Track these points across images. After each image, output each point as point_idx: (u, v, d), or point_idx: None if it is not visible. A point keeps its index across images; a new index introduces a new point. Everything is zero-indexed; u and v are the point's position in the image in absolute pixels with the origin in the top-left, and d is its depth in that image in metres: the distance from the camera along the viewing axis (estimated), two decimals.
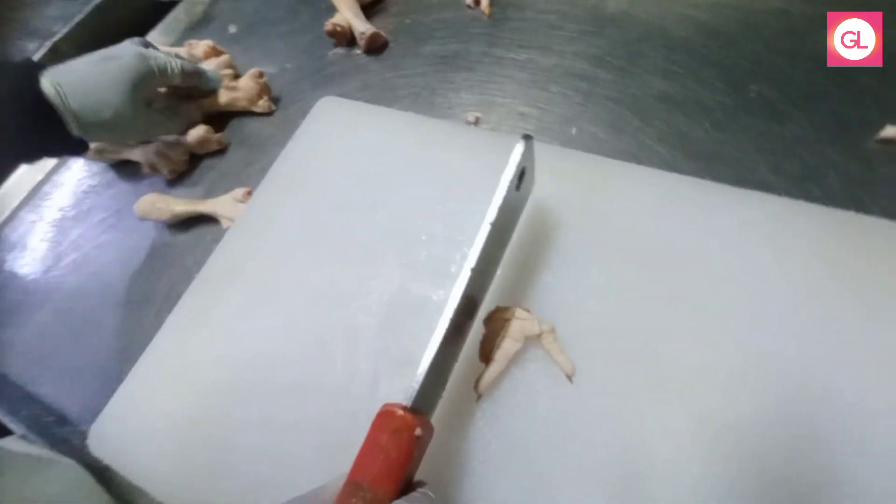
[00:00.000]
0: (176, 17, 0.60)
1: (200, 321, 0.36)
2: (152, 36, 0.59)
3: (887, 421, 0.24)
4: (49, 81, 0.37)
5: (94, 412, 0.35)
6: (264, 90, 0.49)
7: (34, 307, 0.45)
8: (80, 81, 0.38)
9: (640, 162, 0.36)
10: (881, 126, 0.33)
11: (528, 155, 0.28)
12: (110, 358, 0.40)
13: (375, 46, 0.49)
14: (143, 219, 0.44)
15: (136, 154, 0.48)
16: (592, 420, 0.27)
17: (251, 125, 0.49)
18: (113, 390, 0.35)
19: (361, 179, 0.38)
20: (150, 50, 0.42)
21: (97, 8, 0.57)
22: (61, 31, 0.56)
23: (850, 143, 0.34)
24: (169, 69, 0.42)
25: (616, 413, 0.27)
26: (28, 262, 0.48)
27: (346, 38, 0.50)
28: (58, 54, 0.54)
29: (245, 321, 0.35)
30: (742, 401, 0.26)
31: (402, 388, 0.23)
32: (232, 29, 0.57)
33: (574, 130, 0.39)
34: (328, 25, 0.49)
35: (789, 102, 0.36)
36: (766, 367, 0.27)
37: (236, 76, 0.51)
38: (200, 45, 0.52)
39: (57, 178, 0.53)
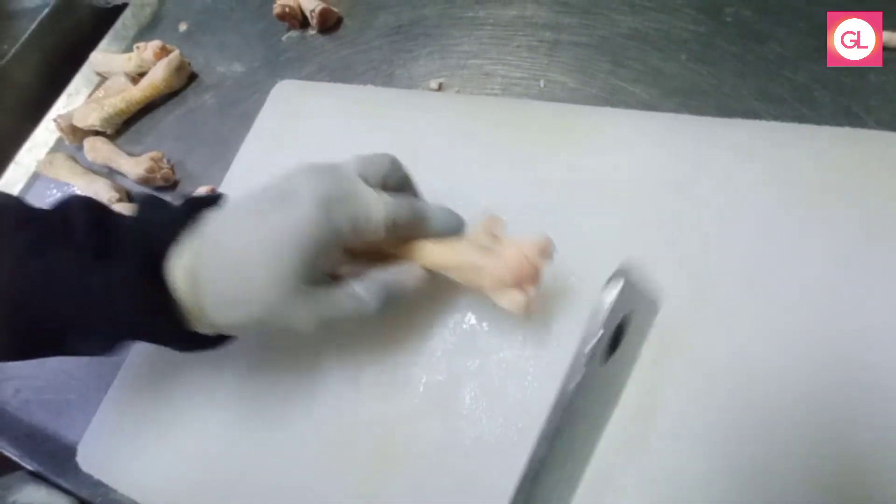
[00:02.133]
0: (124, 23, 0.58)
1: None
2: (103, 45, 0.56)
3: None
4: (184, 260, 0.23)
5: (84, 430, 0.34)
6: (182, 67, 0.49)
7: None
8: (226, 256, 0.23)
9: (614, 106, 0.34)
10: None
11: (624, 302, 0.15)
12: (95, 375, 0.38)
13: (329, 24, 0.47)
14: None
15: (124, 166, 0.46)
16: None
17: (210, 123, 0.47)
18: None
19: (325, 161, 0.37)
20: (349, 182, 0.24)
21: (41, 25, 0.55)
22: (9, 53, 0.54)
23: None
24: (370, 221, 0.23)
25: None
26: None
27: (297, 20, 0.47)
28: (5, 79, 0.52)
29: None
30: (746, 340, 0.24)
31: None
32: (182, 27, 0.55)
33: (542, 83, 0.37)
34: (277, 8, 0.47)
35: (769, 20, 0.33)
36: (771, 301, 0.25)
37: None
38: (150, 47, 0.50)
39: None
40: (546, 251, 0.25)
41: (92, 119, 0.48)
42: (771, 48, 0.33)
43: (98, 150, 0.47)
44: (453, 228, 0.27)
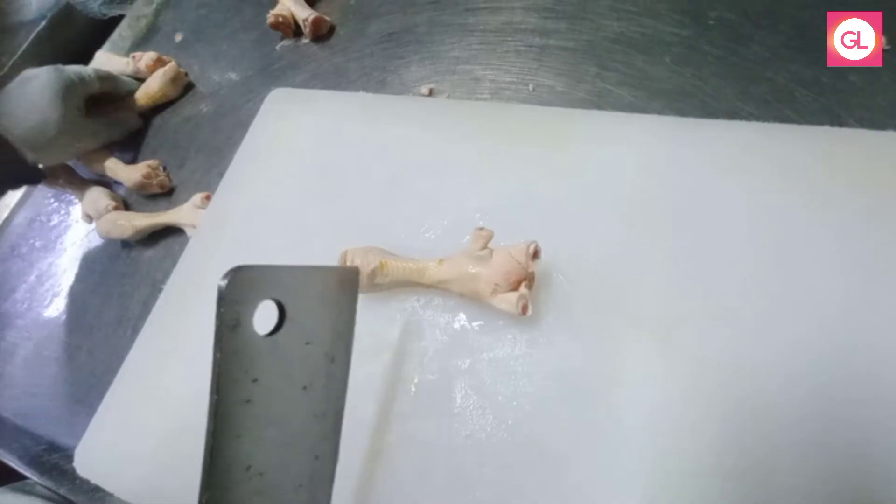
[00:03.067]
0: (121, 35, 0.59)
1: (170, 334, 0.35)
2: (100, 55, 0.57)
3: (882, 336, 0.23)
4: None
5: (81, 436, 0.34)
6: (178, 77, 0.51)
7: (15, 339, 0.45)
8: (15, 107, 0.40)
9: (601, 108, 0.35)
10: None
11: (244, 291, 0.18)
12: (92, 381, 0.39)
13: (322, 32, 0.47)
14: (105, 238, 0.44)
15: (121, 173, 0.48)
16: (572, 362, 0.26)
17: (206, 131, 0.48)
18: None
19: (318, 167, 0.37)
20: (62, 66, 0.45)
21: (39, 37, 0.56)
22: (7, 64, 0.55)
23: (818, 56, 0.31)
24: (85, 75, 0.45)
25: (595, 356, 0.26)
26: (3, 294, 0.48)
27: (291, 28, 0.48)
28: None
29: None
30: (725, 337, 0.25)
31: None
32: (178, 37, 0.56)
33: (531, 87, 0.38)
34: (270, 17, 0.47)
35: (751, 23, 0.34)
36: (753, 299, 0.25)
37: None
38: (144, 58, 0.50)
39: (22, 212, 0.52)
40: (534, 254, 0.26)
41: None
42: (753, 50, 0.33)
43: (94, 158, 0.48)
44: (133, 84, 0.51)
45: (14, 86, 0.42)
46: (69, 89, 0.43)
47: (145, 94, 0.50)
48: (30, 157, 0.40)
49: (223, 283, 0.18)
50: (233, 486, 0.19)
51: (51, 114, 0.41)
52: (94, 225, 0.46)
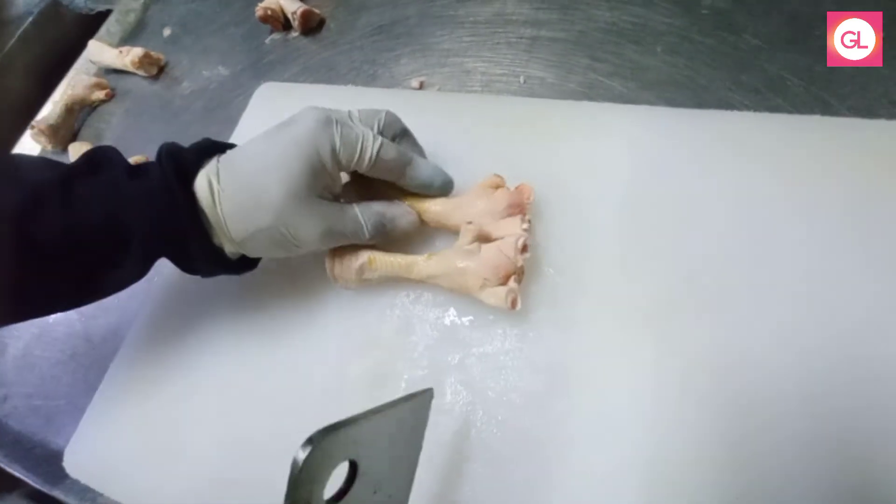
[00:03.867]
0: (109, 30, 0.58)
1: (159, 334, 0.34)
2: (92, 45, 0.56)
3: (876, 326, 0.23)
4: (206, 175, 0.26)
5: (72, 436, 0.34)
6: None
7: (4, 339, 0.44)
8: (241, 169, 0.26)
9: (593, 100, 0.35)
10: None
11: (321, 461, 0.16)
12: (82, 381, 0.39)
13: (311, 25, 0.47)
14: None
15: None
16: (562, 356, 0.26)
17: (196, 127, 0.47)
18: None
19: None
20: (345, 116, 0.28)
21: (26, 33, 0.55)
22: None
23: (810, 44, 0.31)
24: (360, 148, 0.27)
25: (585, 349, 0.26)
26: None
27: (280, 22, 0.48)
28: None
29: (206, 326, 0.33)
30: (715, 331, 0.24)
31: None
32: (166, 32, 0.55)
33: (522, 79, 0.37)
34: (259, 11, 0.47)
35: (743, 12, 0.34)
36: (744, 291, 0.25)
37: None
38: (132, 53, 0.50)
39: None
40: (523, 248, 0.26)
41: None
42: (745, 39, 0.33)
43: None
44: (437, 181, 0.29)
45: (267, 133, 0.28)
46: (321, 162, 0.26)
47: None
48: (228, 248, 0.28)
49: (302, 456, 0.15)
50: None
51: (275, 190, 0.26)
52: None
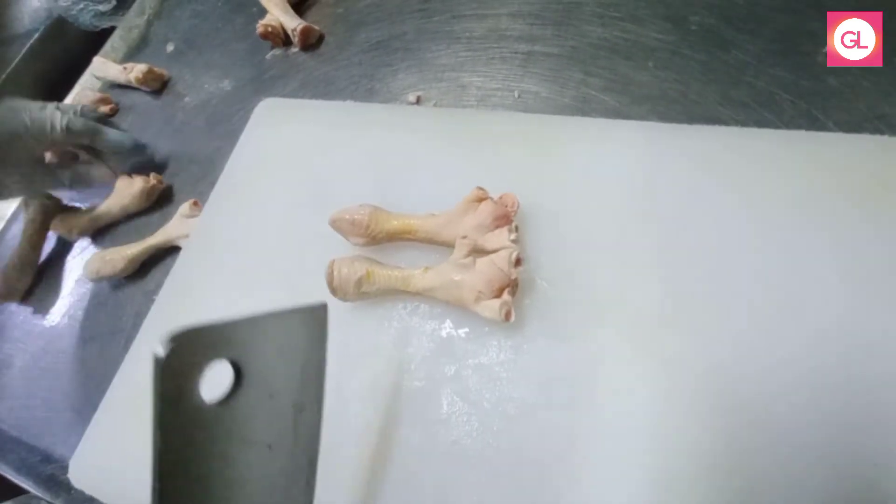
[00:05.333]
0: (113, 46, 0.59)
1: None
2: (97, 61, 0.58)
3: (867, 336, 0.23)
4: None
5: (76, 446, 0.34)
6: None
7: (10, 351, 0.45)
8: None
9: (586, 114, 0.35)
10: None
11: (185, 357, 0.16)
12: (87, 392, 0.39)
13: (311, 41, 0.48)
14: (95, 279, 0.42)
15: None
16: (556, 368, 0.26)
17: (197, 142, 0.48)
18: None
19: (308, 175, 0.38)
20: (35, 104, 0.40)
21: (32, 49, 0.56)
22: (1, 77, 0.55)
23: (798, 60, 0.32)
24: (48, 126, 0.39)
25: (579, 361, 0.26)
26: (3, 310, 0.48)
27: (280, 38, 0.49)
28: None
29: None
30: (707, 342, 0.25)
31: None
32: (169, 48, 0.56)
33: (516, 93, 0.38)
34: (260, 27, 0.48)
35: (732, 28, 0.34)
36: (736, 303, 0.25)
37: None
38: (136, 69, 0.51)
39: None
40: (516, 261, 0.26)
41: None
42: (734, 55, 0.34)
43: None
44: (121, 146, 0.44)
45: None
46: (11, 138, 0.38)
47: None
48: None
49: (160, 352, 0.15)
50: None
51: None
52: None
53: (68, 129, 0.39)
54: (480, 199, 0.29)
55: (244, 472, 0.19)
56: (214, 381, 0.17)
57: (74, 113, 0.41)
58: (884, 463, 0.21)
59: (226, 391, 0.17)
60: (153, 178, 0.45)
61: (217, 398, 0.17)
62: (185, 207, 0.41)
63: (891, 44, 0.30)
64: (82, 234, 0.47)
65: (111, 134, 0.43)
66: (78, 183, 0.43)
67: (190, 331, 0.16)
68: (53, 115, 0.39)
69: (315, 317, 0.21)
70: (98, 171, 0.44)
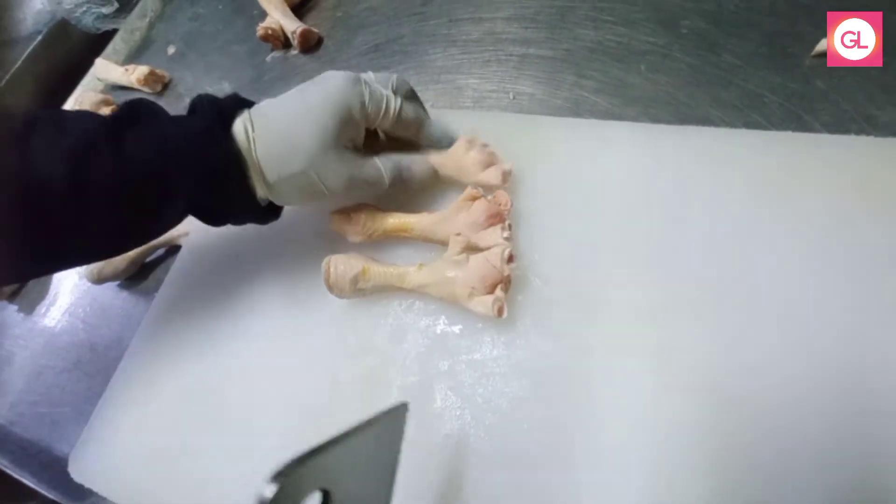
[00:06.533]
0: (115, 48, 0.60)
1: (162, 340, 0.36)
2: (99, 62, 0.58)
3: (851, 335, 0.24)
4: (242, 120, 0.28)
5: (76, 442, 0.35)
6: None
7: (12, 349, 0.45)
8: (275, 119, 0.28)
9: (579, 115, 0.36)
10: (816, 41, 0.32)
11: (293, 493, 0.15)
12: (86, 388, 0.40)
13: (310, 44, 0.48)
14: (99, 282, 0.42)
15: None
16: (548, 363, 0.27)
17: None
18: None
19: None
20: (369, 76, 0.30)
21: (35, 51, 0.57)
22: (3, 80, 0.56)
23: (786, 63, 0.33)
24: (384, 105, 0.29)
25: (570, 356, 0.27)
26: (0, 306, 0.49)
27: (280, 41, 0.49)
28: (1, 104, 0.54)
29: (206, 334, 0.34)
30: (698, 339, 0.25)
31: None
32: (171, 50, 0.57)
33: (511, 95, 0.39)
34: (260, 30, 0.49)
35: (722, 32, 0.35)
36: (726, 301, 0.26)
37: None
38: (137, 71, 0.52)
39: None
40: (509, 258, 0.27)
41: None
42: (724, 58, 0.34)
43: None
44: (447, 137, 0.33)
45: (294, 90, 0.30)
46: (351, 115, 0.28)
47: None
48: (259, 192, 0.29)
49: (268, 495, 0.14)
50: None
51: (307, 139, 0.28)
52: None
53: (399, 114, 0.30)
54: (474, 198, 0.29)
55: None
56: None
57: (392, 88, 0.31)
58: (881, 456, 0.22)
59: None
60: None
61: None
62: None
63: (891, 44, 0.30)
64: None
65: (434, 127, 0.33)
66: (399, 180, 0.31)
67: (292, 465, 0.15)
68: (388, 94, 0.30)
69: (396, 418, 0.21)
70: (420, 167, 0.32)
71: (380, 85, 0.30)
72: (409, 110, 0.31)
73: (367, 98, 0.29)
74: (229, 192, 0.29)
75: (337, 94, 0.28)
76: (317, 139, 0.28)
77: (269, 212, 0.31)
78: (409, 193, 0.33)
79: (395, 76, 0.31)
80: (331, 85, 0.29)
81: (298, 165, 0.28)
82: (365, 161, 0.30)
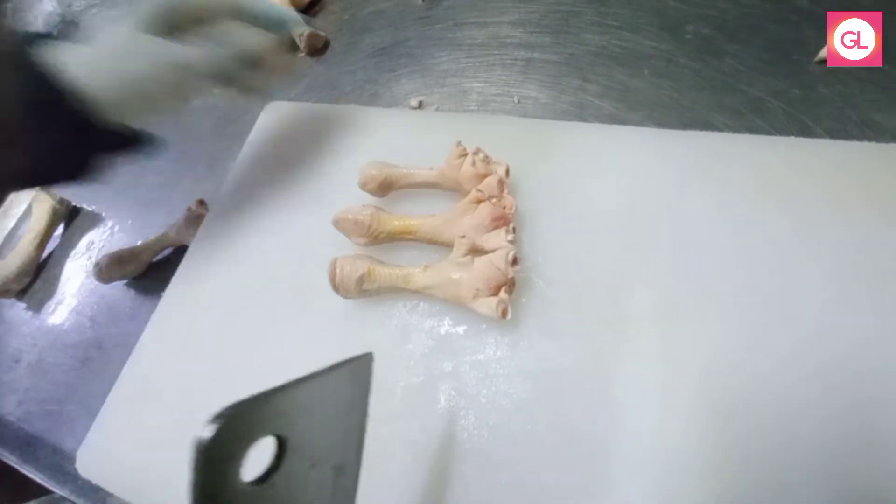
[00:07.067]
0: None
1: (170, 337, 0.36)
2: None
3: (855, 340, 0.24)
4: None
5: (83, 439, 0.35)
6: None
7: (20, 346, 0.46)
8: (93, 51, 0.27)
9: (583, 119, 0.36)
10: (819, 47, 0.32)
11: (230, 438, 0.15)
12: (94, 385, 0.40)
13: (317, 47, 0.49)
14: (107, 282, 0.43)
15: None
16: (551, 364, 0.27)
17: (204, 144, 0.49)
18: None
19: (312, 177, 0.39)
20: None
21: None
22: None
23: (790, 69, 0.33)
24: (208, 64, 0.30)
25: (574, 358, 0.27)
26: (9, 302, 0.49)
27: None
28: None
29: (212, 332, 0.35)
30: (702, 341, 0.26)
31: None
32: None
33: (516, 99, 0.39)
34: None
35: (726, 38, 0.35)
36: (728, 303, 0.26)
37: None
38: None
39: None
40: (513, 260, 0.27)
41: None
42: (728, 63, 0.35)
43: None
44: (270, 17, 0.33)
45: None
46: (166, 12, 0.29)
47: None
48: (110, 114, 0.28)
49: (206, 436, 0.13)
50: None
51: (128, 47, 0.28)
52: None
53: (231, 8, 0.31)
54: (479, 201, 0.30)
55: None
56: (256, 463, 0.16)
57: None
58: (891, 463, 0.22)
59: (267, 466, 0.16)
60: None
61: (257, 475, 0.16)
62: (192, 206, 0.42)
63: (891, 44, 0.30)
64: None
65: (287, 14, 0.34)
66: (245, 62, 0.32)
67: (235, 407, 0.14)
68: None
69: (361, 368, 0.20)
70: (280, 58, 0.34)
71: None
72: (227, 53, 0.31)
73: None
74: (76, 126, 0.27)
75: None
76: (142, 43, 0.28)
77: (134, 139, 0.30)
78: (412, 195, 0.34)
79: None
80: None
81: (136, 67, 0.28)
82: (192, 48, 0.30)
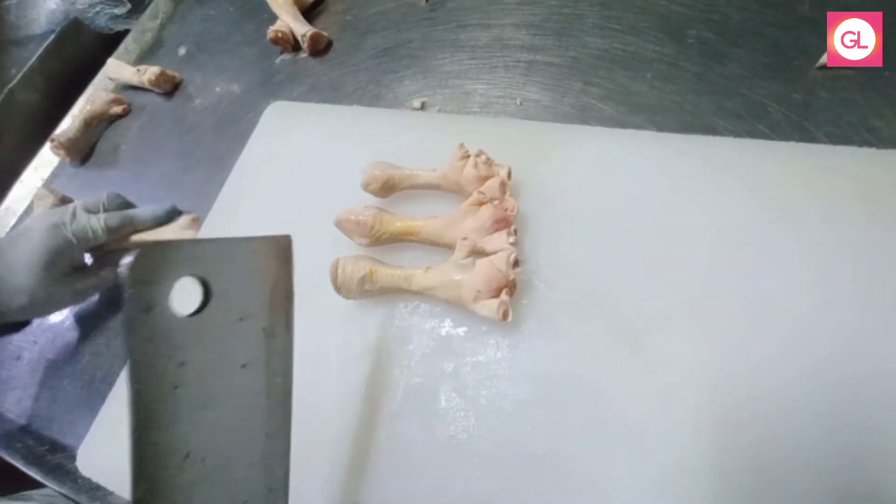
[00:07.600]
0: (127, 48, 0.60)
1: None
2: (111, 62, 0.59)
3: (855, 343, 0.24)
4: None
5: (83, 437, 0.35)
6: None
7: (20, 343, 0.46)
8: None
9: (585, 122, 0.36)
10: (821, 52, 0.32)
11: (152, 272, 0.17)
12: (95, 383, 0.40)
13: (320, 47, 0.49)
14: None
15: None
16: (551, 366, 0.27)
17: (206, 143, 0.49)
18: None
19: (314, 178, 0.39)
20: (70, 215, 0.38)
21: (47, 50, 0.58)
22: (17, 77, 0.57)
23: (791, 74, 0.33)
24: (90, 232, 0.38)
25: (574, 360, 0.27)
26: None
27: (290, 43, 0.50)
28: (12, 101, 0.55)
29: None
30: (701, 343, 0.26)
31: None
32: (182, 51, 0.58)
33: (518, 101, 0.39)
34: (270, 33, 0.49)
35: (728, 42, 0.36)
36: (728, 307, 0.26)
37: None
38: (149, 71, 0.52)
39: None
40: (514, 263, 0.27)
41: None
42: (729, 67, 0.35)
43: None
44: (159, 219, 0.42)
45: (8, 239, 0.39)
46: (61, 254, 0.37)
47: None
48: None
49: (126, 263, 0.16)
50: (170, 477, 0.18)
51: (25, 283, 0.36)
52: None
53: (108, 229, 0.39)
54: (481, 203, 0.30)
55: (219, 387, 0.20)
56: (185, 299, 0.18)
57: (103, 208, 0.40)
58: (886, 464, 0.22)
59: (195, 307, 0.18)
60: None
61: (187, 312, 0.18)
62: (184, 221, 0.42)
63: (891, 44, 0.30)
64: None
65: (145, 213, 0.41)
66: (95, 286, 0.41)
67: (155, 245, 0.17)
68: (90, 221, 0.38)
69: (280, 246, 0.22)
70: (108, 269, 0.41)
71: (86, 212, 0.39)
72: (115, 220, 0.39)
73: (70, 235, 0.37)
74: None
75: (39, 244, 0.36)
76: (32, 277, 0.36)
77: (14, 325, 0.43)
78: (414, 197, 0.34)
79: (105, 195, 0.41)
80: (35, 240, 0.37)
81: (23, 299, 0.36)
82: (86, 276, 0.40)
